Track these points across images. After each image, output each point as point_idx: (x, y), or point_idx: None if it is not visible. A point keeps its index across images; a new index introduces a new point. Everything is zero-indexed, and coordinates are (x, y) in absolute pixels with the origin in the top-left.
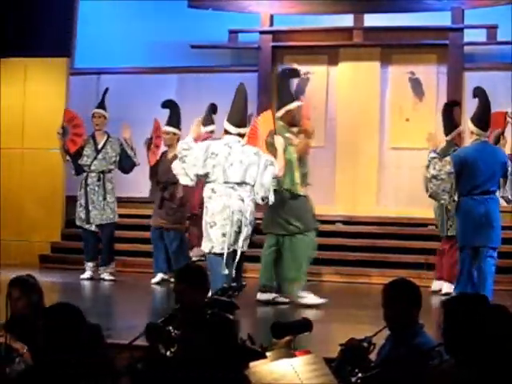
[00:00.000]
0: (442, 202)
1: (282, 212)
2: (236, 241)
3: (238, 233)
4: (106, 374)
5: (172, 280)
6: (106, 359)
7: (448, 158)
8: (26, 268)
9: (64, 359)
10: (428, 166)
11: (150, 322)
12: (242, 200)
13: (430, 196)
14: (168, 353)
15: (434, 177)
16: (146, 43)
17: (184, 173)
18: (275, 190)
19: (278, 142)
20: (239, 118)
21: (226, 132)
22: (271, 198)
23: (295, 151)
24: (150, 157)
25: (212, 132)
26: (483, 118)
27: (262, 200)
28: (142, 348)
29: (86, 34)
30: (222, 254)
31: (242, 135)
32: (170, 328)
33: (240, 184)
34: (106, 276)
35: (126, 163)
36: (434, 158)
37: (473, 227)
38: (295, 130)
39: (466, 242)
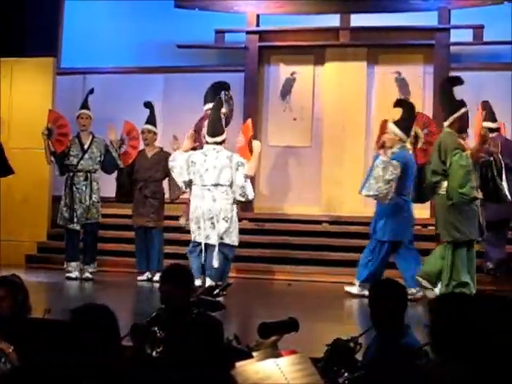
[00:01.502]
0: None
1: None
2: (213, 235)
3: (213, 228)
4: (111, 375)
5: (155, 279)
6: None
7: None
8: (12, 268)
9: (65, 359)
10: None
11: (136, 323)
12: (214, 200)
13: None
14: (154, 353)
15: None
16: (133, 43)
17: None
18: (450, 198)
19: (256, 145)
20: (214, 129)
21: (206, 142)
22: (248, 194)
23: (470, 156)
24: (123, 158)
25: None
26: (408, 125)
27: (242, 197)
28: (128, 348)
29: (72, 33)
30: (199, 244)
31: (218, 143)
32: (156, 328)
33: (215, 185)
34: (87, 275)
35: (109, 164)
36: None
37: (404, 224)
38: (464, 135)
39: (396, 236)
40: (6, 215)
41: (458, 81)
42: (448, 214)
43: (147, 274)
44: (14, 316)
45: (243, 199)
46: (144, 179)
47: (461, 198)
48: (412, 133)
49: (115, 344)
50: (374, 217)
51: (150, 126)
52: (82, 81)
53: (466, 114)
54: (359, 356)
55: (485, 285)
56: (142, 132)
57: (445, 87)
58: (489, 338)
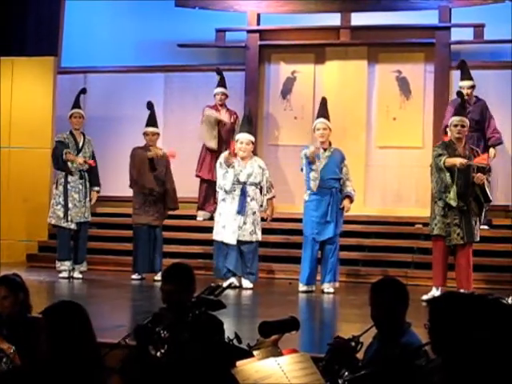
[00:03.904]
0: None
1: None
2: None
3: None
4: (96, 373)
5: (156, 278)
6: (98, 358)
7: None
8: (13, 267)
9: (55, 358)
10: None
11: (139, 324)
12: None
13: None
14: (158, 354)
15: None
16: (133, 42)
17: None
18: None
19: None
20: None
21: None
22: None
23: None
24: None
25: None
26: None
27: None
28: (131, 347)
29: (73, 33)
30: None
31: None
32: (159, 329)
33: None
34: (77, 274)
35: (93, 177)
36: None
37: None
38: None
39: None
40: (7, 214)
41: None
42: None
43: (141, 274)
44: (14, 315)
45: None
46: (150, 179)
47: None
48: None
49: (89, 341)
50: (331, 217)
51: (153, 129)
52: (82, 80)
53: None
54: (360, 355)
55: (483, 284)
56: (146, 134)
57: None
58: (487, 341)
